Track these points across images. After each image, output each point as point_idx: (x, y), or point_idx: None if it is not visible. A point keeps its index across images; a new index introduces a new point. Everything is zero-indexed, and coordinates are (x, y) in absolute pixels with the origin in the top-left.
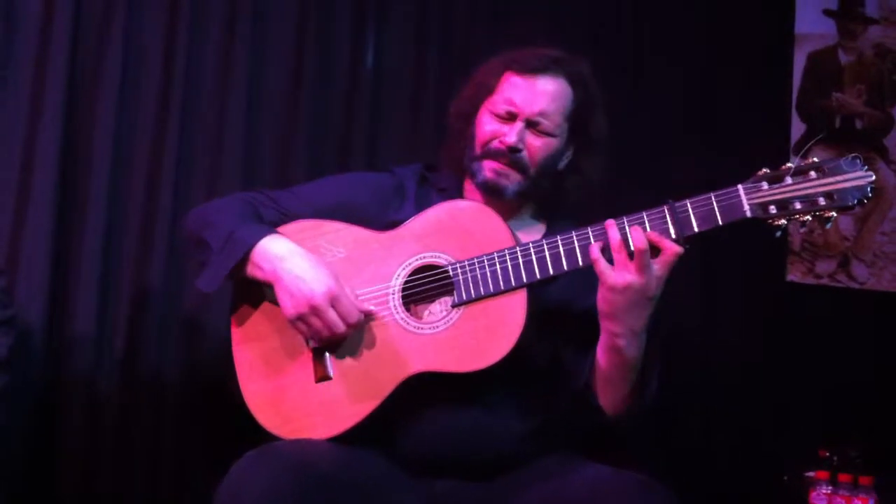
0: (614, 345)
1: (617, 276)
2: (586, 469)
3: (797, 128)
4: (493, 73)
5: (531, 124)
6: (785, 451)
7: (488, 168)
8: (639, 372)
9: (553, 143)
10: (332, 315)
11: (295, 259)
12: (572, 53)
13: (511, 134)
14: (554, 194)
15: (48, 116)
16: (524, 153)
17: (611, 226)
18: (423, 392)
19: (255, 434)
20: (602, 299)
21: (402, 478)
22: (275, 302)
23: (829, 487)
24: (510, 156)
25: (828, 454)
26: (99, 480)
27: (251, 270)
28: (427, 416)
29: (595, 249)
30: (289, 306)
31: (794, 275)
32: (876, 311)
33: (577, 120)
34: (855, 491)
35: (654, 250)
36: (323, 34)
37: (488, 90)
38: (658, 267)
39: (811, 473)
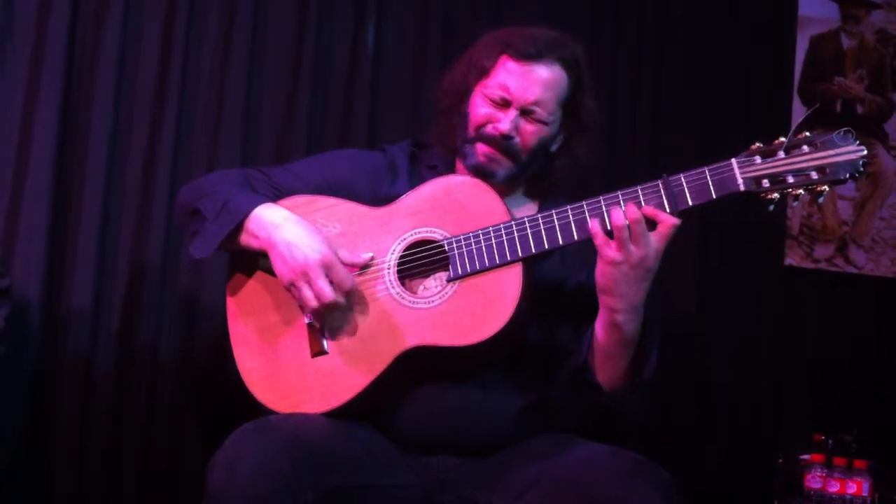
0: (613, 320)
1: (614, 249)
2: (582, 447)
3: (798, 111)
4: (488, 55)
5: (525, 112)
6: (780, 434)
7: (481, 152)
8: (636, 347)
9: (546, 130)
10: (323, 283)
11: (290, 226)
12: (567, 34)
13: (505, 121)
14: (545, 175)
15: (46, 92)
16: (516, 140)
17: (606, 200)
18: (418, 368)
19: (251, 410)
20: (601, 274)
21: (397, 454)
22: (270, 273)
23: (824, 470)
24: (503, 143)
25: (823, 438)
26: (92, 454)
27: (245, 239)
28: (422, 392)
29: (595, 225)
30: (283, 272)
31: (792, 259)
32: (873, 296)
33: (571, 105)
34: (849, 474)
35: (651, 224)
36: (324, 13)
37: (483, 72)
38: (655, 239)
39: (806, 456)
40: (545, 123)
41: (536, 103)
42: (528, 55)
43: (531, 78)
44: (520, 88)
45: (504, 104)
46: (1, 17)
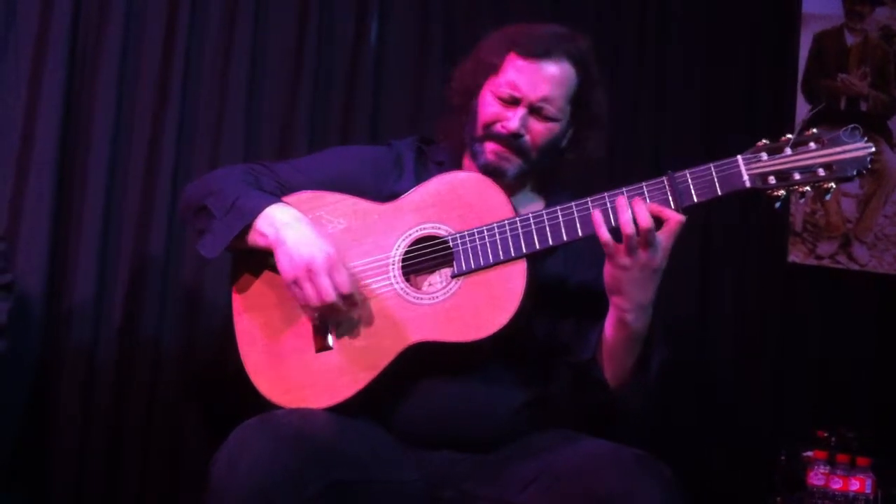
0: (622, 319)
1: (622, 252)
2: (584, 443)
3: (802, 108)
4: (496, 52)
5: (534, 110)
6: (783, 430)
7: (490, 150)
8: (643, 345)
9: (556, 127)
10: (325, 281)
11: (298, 226)
12: (573, 30)
13: (514, 119)
14: (553, 170)
15: (49, 85)
16: (526, 138)
17: (611, 197)
18: (421, 364)
19: (254, 406)
20: (609, 276)
21: (399, 449)
22: (276, 270)
23: (827, 467)
24: (513, 141)
25: (825, 434)
26: (92, 451)
27: (253, 238)
28: (425, 388)
29: (603, 230)
30: (287, 269)
31: (796, 255)
32: (876, 293)
33: (580, 100)
34: (852, 471)
35: (657, 222)
36: (326, 10)
37: (491, 69)
38: (663, 238)
39: (809, 453)
40: (555, 120)
41: (545, 100)
42: (536, 52)
43: (540, 75)
44: (529, 86)
45: (513, 102)
46: (4, 10)
